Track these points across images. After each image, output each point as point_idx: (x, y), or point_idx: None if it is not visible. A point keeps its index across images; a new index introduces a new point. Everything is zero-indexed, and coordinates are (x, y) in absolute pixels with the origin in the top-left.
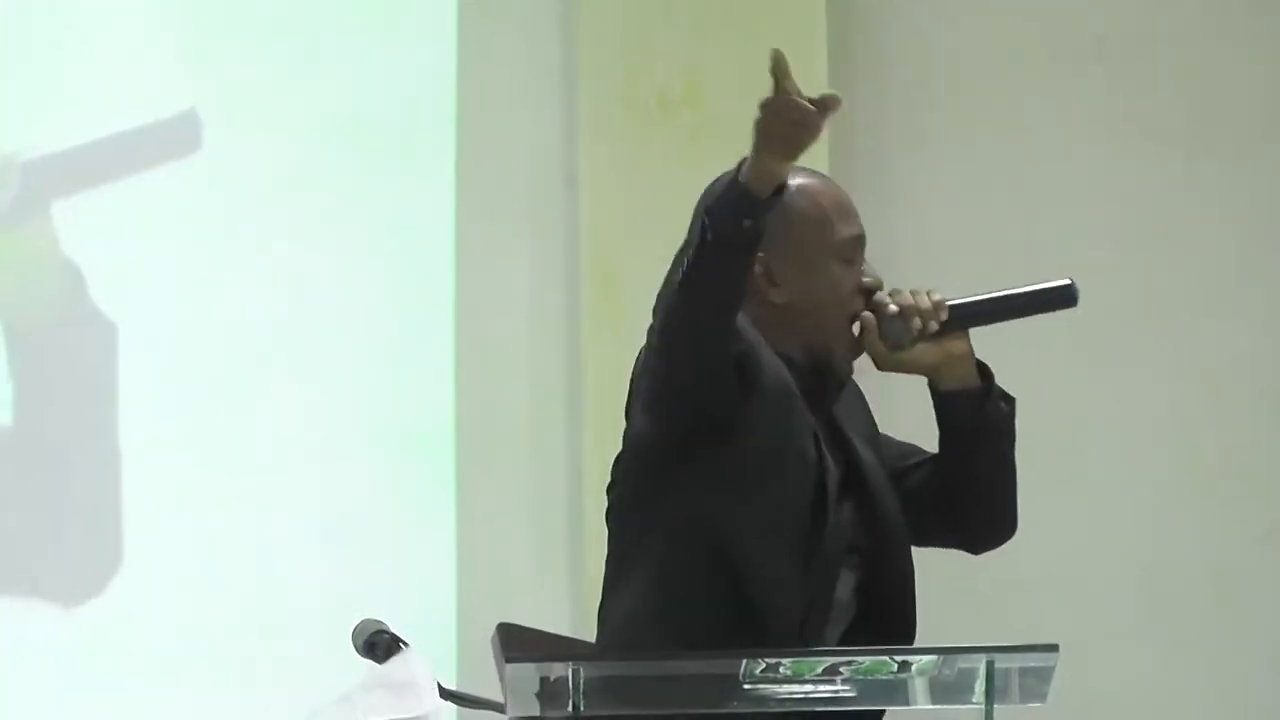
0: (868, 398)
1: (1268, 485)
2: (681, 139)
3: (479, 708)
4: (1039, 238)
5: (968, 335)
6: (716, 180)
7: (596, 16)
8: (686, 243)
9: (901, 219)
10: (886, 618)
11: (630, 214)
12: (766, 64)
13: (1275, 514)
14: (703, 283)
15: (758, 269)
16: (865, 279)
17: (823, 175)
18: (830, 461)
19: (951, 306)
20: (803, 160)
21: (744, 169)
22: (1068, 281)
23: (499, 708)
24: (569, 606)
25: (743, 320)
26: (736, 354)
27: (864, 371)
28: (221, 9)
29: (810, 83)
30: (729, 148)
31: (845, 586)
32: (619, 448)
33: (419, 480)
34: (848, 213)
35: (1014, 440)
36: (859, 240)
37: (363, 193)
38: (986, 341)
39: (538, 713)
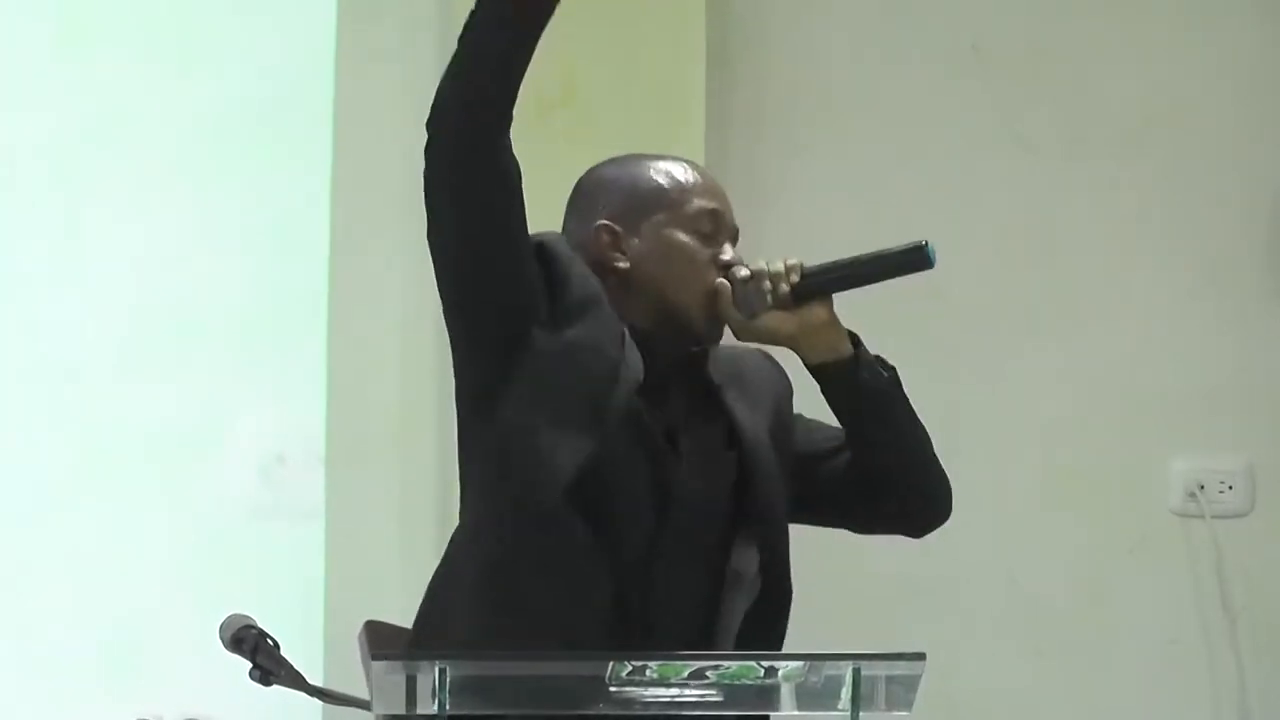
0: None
1: (1137, 497)
2: (557, 140)
3: (346, 705)
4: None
5: (829, 303)
6: None
7: None
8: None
9: (776, 223)
10: (766, 588)
11: None
12: (645, 67)
13: (1144, 526)
14: (471, 52)
15: (604, 237)
16: (722, 256)
17: (688, 160)
18: (630, 367)
19: (805, 270)
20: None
21: None
22: (922, 242)
23: (365, 705)
24: None
25: (565, 254)
26: (541, 257)
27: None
28: (95, 1)
29: (688, 85)
30: (604, 149)
31: (748, 561)
32: (457, 449)
33: (288, 474)
34: (705, 189)
35: (907, 408)
36: (715, 215)
37: (237, 190)
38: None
39: (403, 710)
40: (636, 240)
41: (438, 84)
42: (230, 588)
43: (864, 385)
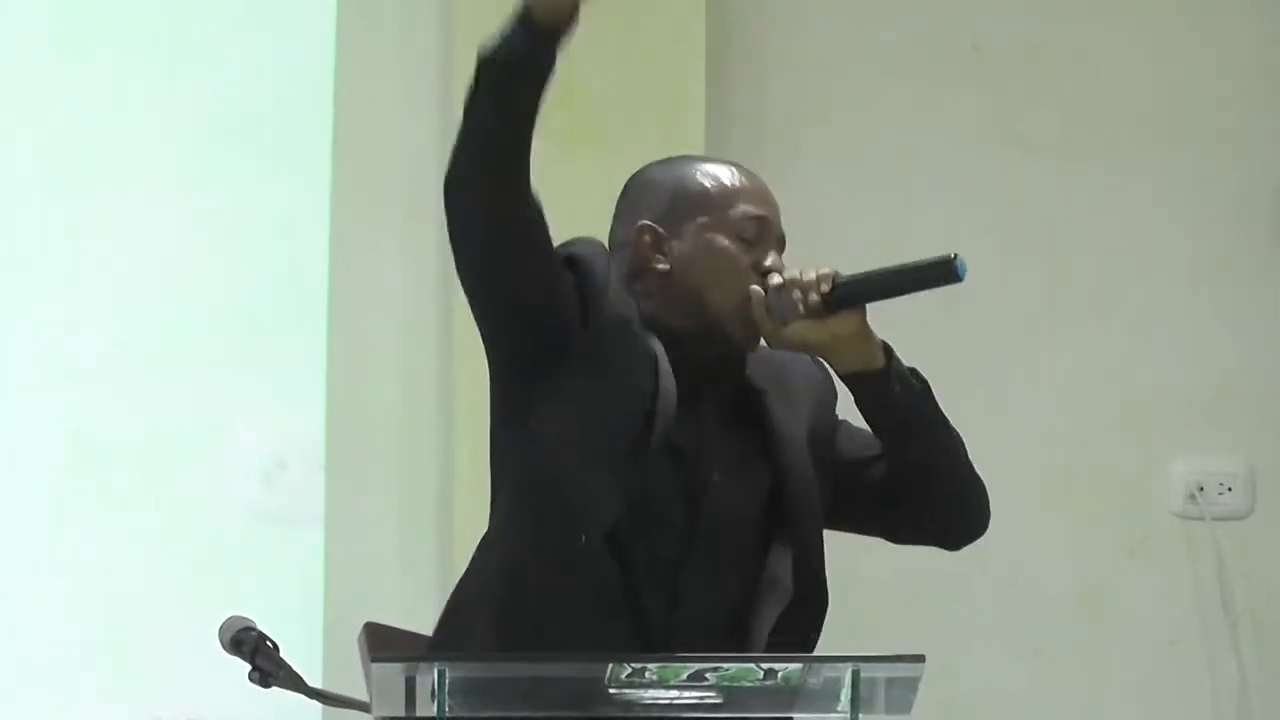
0: None
1: (1137, 498)
2: (557, 142)
3: (345, 707)
4: (912, 246)
5: (860, 314)
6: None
7: (473, 17)
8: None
9: None
10: (801, 595)
11: None
12: (645, 68)
13: (1144, 527)
14: (480, 115)
15: (645, 237)
16: (766, 261)
17: (739, 164)
18: (665, 395)
19: (836, 280)
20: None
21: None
22: (951, 255)
23: (365, 707)
24: (436, 607)
25: (602, 267)
26: (579, 283)
27: None
28: (98, 3)
29: (688, 85)
30: (604, 151)
31: (784, 568)
32: (489, 449)
33: (288, 477)
34: (751, 194)
35: (940, 421)
36: (760, 221)
37: (237, 192)
38: None
39: (403, 713)
40: (678, 242)
41: (450, 157)
42: (231, 590)
43: (895, 398)
